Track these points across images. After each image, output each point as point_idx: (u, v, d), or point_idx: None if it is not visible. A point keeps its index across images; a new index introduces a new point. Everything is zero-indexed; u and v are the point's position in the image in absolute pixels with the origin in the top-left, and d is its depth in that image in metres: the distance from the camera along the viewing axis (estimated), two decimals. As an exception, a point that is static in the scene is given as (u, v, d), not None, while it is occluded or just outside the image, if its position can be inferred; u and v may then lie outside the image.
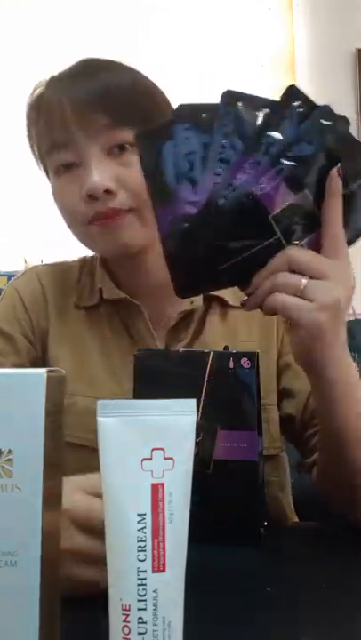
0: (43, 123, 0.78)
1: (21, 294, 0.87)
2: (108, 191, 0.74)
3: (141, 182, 0.64)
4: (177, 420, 0.38)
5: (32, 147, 0.83)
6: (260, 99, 0.60)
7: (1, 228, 2.20)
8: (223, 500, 0.66)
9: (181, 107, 0.61)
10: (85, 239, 0.80)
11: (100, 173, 0.73)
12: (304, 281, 0.60)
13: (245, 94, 0.60)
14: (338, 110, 0.60)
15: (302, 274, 0.60)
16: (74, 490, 0.52)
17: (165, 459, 0.37)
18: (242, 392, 0.66)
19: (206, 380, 0.67)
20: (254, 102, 0.60)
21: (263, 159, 0.59)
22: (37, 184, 0.86)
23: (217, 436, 0.67)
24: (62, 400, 0.42)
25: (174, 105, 0.79)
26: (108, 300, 0.84)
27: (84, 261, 0.91)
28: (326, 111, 0.60)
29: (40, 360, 0.85)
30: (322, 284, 0.60)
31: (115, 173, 0.74)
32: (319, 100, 0.60)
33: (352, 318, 2.35)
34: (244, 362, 0.67)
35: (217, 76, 2.50)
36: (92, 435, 0.76)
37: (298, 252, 0.61)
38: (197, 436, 0.51)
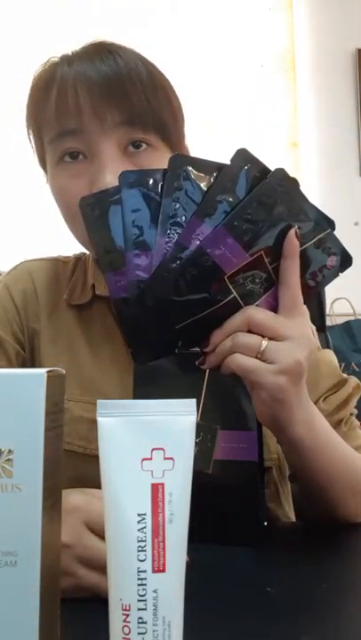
0: (53, 107, 0.72)
1: (12, 292, 0.83)
2: None
3: None
4: (177, 420, 0.38)
5: (31, 129, 0.77)
6: (210, 162, 0.60)
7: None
8: (223, 499, 0.66)
9: (127, 173, 0.60)
10: (85, 242, 0.76)
11: (114, 174, 0.66)
12: (264, 342, 0.59)
13: (195, 158, 0.61)
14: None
15: (262, 335, 0.59)
16: (80, 524, 0.52)
17: (165, 459, 0.37)
18: (242, 392, 0.66)
19: (206, 380, 0.67)
20: (204, 165, 0.60)
21: (216, 221, 0.59)
22: (37, 180, 0.82)
23: (217, 435, 0.67)
24: (62, 400, 0.42)
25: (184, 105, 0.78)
26: (101, 296, 0.81)
27: (79, 257, 0.87)
28: (280, 174, 0.60)
29: (28, 361, 0.81)
30: (282, 346, 0.59)
31: None
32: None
33: (353, 318, 2.36)
34: (244, 362, 0.66)
35: (217, 76, 2.50)
36: (83, 441, 0.76)
37: (257, 313, 0.60)
38: (197, 436, 0.51)
